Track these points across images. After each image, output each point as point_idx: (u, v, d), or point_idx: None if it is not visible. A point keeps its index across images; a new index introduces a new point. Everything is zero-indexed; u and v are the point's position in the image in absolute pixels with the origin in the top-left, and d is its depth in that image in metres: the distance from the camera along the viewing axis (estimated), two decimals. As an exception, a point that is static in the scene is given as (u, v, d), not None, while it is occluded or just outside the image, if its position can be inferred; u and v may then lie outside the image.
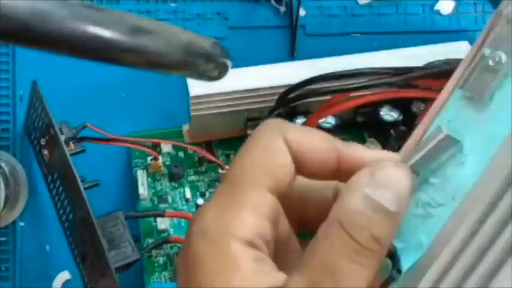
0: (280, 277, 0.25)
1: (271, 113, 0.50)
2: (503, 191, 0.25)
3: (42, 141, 0.48)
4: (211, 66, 0.31)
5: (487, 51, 0.27)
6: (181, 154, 0.52)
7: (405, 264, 0.26)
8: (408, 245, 0.26)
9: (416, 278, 0.26)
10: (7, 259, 0.50)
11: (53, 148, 0.47)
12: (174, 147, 0.52)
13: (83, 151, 0.48)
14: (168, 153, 0.52)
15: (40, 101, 0.47)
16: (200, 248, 0.25)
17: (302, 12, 0.58)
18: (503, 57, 0.26)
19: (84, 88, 0.55)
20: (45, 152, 0.48)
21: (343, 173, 0.27)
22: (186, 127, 0.52)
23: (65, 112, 0.49)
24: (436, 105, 0.28)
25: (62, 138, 0.46)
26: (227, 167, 0.51)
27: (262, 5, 0.58)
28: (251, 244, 0.25)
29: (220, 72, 0.32)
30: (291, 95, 0.49)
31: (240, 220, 0.25)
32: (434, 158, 0.26)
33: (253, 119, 0.51)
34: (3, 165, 0.51)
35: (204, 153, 0.51)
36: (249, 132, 0.52)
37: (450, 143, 0.26)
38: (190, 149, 0.52)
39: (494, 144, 0.26)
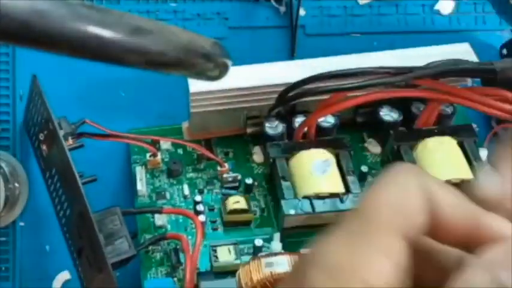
0: None
1: (270, 111, 0.50)
2: None
3: (41, 136, 0.48)
4: (211, 66, 0.31)
5: None
6: (180, 151, 0.53)
7: None
8: None
9: None
10: (7, 259, 0.50)
11: (51, 143, 0.47)
12: (173, 144, 0.52)
13: (82, 146, 0.48)
14: (167, 150, 0.52)
15: (40, 95, 0.47)
16: (324, 286, 0.23)
17: (302, 12, 0.58)
18: None
19: (83, 87, 0.55)
20: (44, 147, 0.48)
21: (472, 242, 0.24)
22: (185, 124, 0.52)
23: (64, 110, 0.49)
24: None
25: (61, 133, 0.46)
26: (226, 164, 0.51)
27: (262, 5, 0.58)
28: None
29: (221, 72, 0.32)
30: (291, 94, 0.49)
31: (373, 265, 0.23)
32: None
33: (253, 117, 0.51)
34: (3, 165, 0.51)
35: (203, 150, 0.51)
36: (248, 130, 0.52)
37: None
38: (190, 146, 0.52)
39: None
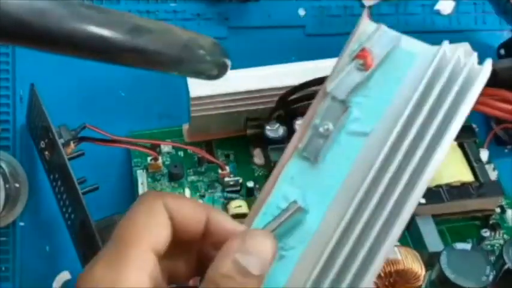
0: None
1: (271, 114, 0.50)
2: (342, 235, 0.30)
3: (42, 144, 0.48)
4: (210, 65, 0.31)
5: (317, 121, 0.32)
6: (181, 154, 0.52)
7: None
8: (268, 285, 0.30)
9: None
10: (7, 259, 0.50)
11: (52, 151, 0.47)
12: (174, 147, 0.52)
13: (82, 155, 0.47)
14: (168, 153, 0.52)
15: (38, 103, 0.47)
16: None
17: (302, 12, 0.58)
18: (330, 126, 0.31)
19: (84, 88, 0.55)
20: (46, 152, 0.48)
21: (210, 236, 0.31)
22: (186, 126, 0.52)
23: (64, 112, 0.49)
24: (278, 167, 0.32)
25: (61, 141, 0.46)
26: (227, 167, 0.51)
27: (262, 5, 0.58)
28: None
29: (220, 71, 0.32)
30: (292, 97, 0.48)
31: (126, 277, 0.27)
32: (289, 225, 0.31)
33: (253, 119, 0.51)
34: (3, 165, 0.51)
35: (203, 153, 0.51)
36: (248, 132, 0.52)
37: (301, 213, 0.31)
38: (190, 149, 0.52)
39: (329, 195, 0.31)
